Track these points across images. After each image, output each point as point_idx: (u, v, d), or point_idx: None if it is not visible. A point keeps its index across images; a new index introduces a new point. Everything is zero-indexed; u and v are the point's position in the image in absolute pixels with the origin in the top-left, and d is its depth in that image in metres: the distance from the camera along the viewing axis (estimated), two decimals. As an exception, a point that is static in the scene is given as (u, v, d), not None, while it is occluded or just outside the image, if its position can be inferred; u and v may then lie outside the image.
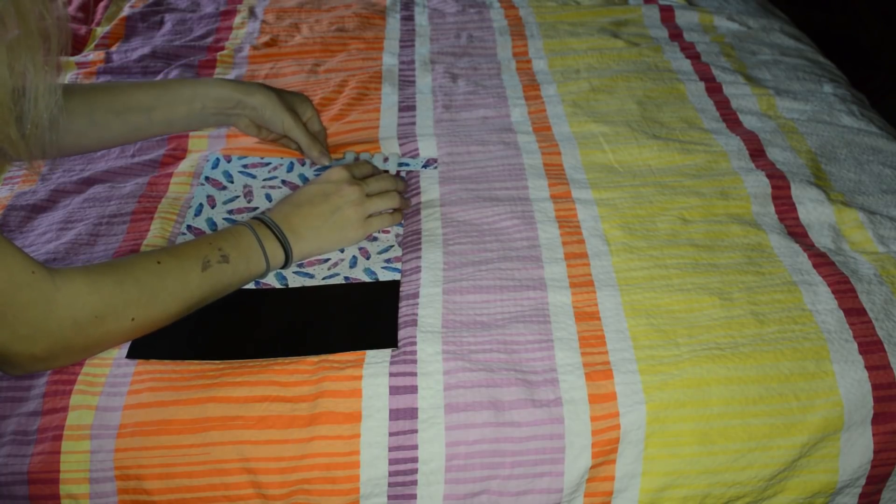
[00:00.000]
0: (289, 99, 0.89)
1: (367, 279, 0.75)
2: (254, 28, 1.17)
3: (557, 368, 0.66)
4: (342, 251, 0.78)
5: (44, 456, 0.63)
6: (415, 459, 0.64)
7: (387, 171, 0.86)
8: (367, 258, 0.77)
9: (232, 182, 0.86)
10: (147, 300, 0.65)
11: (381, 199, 0.79)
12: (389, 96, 1.01)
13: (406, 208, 0.83)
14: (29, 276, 0.58)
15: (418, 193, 0.85)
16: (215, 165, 0.88)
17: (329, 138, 0.94)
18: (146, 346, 0.68)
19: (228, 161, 0.89)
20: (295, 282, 0.75)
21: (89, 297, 0.61)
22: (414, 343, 0.68)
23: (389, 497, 0.64)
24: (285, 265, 0.75)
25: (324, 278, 0.75)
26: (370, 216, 0.79)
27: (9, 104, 0.55)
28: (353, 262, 0.77)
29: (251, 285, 0.74)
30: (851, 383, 0.66)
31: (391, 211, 0.81)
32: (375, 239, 0.80)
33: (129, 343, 0.68)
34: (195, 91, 0.86)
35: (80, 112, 0.81)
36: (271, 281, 0.75)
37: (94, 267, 0.64)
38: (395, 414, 0.64)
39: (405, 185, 0.85)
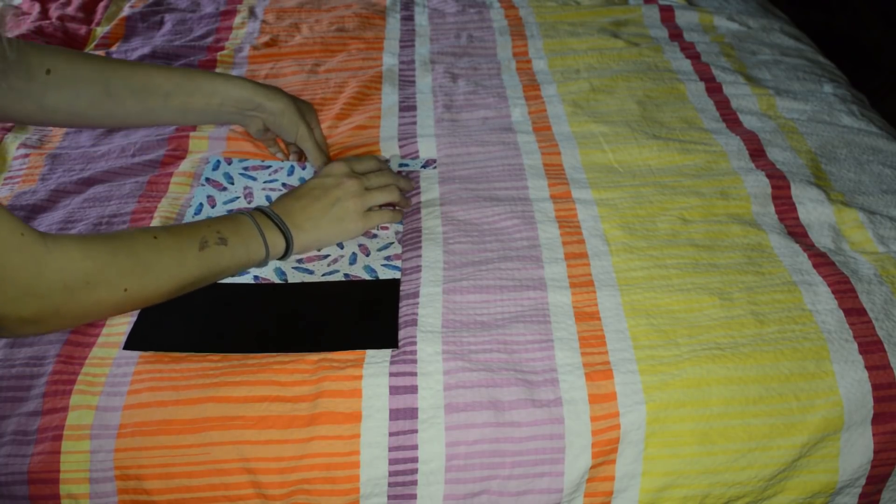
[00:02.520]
0: (300, 107, 0.89)
1: (366, 276, 0.75)
2: (254, 28, 1.17)
3: (557, 368, 0.66)
4: (342, 247, 0.78)
5: (44, 456, 0.63)
6: (415, 459, 0.64)
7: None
8: (367, 255, 0.77)
9: (232, 184, 0.86)
10: (141, 272, 0.64)
11: (380, 192, 0.79)
12: (390, 96, 1.01)
13: (407, 207, 0.83)
14: (18, 239, 0.58)
15: (418, 193, 0.85)
16: (216, 167, 0.88)
17: (329, 138, 0.94)
18: (144, 338, 0.68)
19: (229, 163, 0.89)
20: (294, 277, 0.75)
21: (82, 263, 0.61)
22: (414, 343, 0.68)
23: (389, 497, 0.64)
24: (285, 255, 0.75)
25: (323, 275, 0.75)
26: (370, 210, 0.79)
27: None
28: (353, 259, 0.77)
29: (250, 280, 0.74)
30: (851, 383, 0.66)
31: (392, 208, 0.81)
32: (375, 236, 0.80)
33: (128, 334, 0.68)
34: (216, 87, 0.85)
35: (95, 80, 0.79)
36: (270, 276, 0.75)
37: (89, 235, 0.63)
38: (395, 414, 0.64)
39: (410, 185, 0.85)
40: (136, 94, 0.81)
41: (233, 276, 0.73)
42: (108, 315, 0.66)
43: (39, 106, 0.76)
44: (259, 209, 0.74)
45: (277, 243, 0.73)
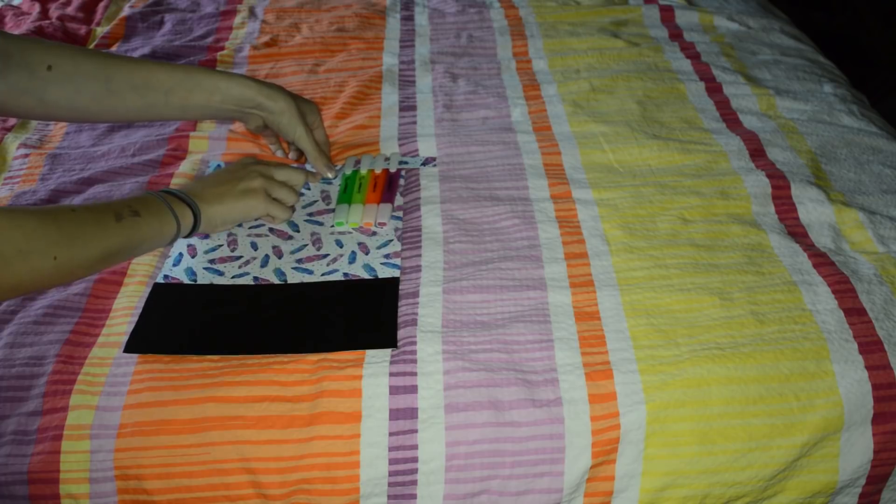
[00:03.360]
0: (302, 106, 0.89)
1: (366, 275, 0.75)
2: (254, 28, 1.17)
3: (557, 368, 0.66)
4: (341, 245, 0.78)
5: (44, 456, 0.63)
6: (415, 459, 0.64)
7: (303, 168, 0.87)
8: (367, 253, 0.78)
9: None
10: (67, 242, 0.65)
11: (282, 189, 0.83)
12: (390, 96, 1.01)
13: (315, 181, 0.87)
14: None
15: (418, 190, 0.85)
16: (215, 170, 0.88)
17: (329, 138, 0.94)
18: (144, 340, 0.68)
19: None
20: (294, 277, 0.75)
21: (13, 232, 0.61)
22: (414, 343, 0.68)
23: (389, 497, 0.64)
24: (194, 229, 0.76)
25: (323, 274, 0.75)
26: (274, 199, 0.82)
27: None
28: (353, 258, 0.77)
29: (250, 280, 0.74)
30: (851, 383, 0.66)
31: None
32: (374, 234, 0.80)
33: (128, 337, 0.68)
34: (217, 85, 0.85)
35: (96, 76, 0.79)
36: (270, 276, 0.75)
37: (13, 207, 0.64)
38: (394, 414, 0.64)
39: (313, 179, 0.88)
40: (137, 90, 0.82)
41: (151, 250, 0.74)
42: (41, 287, 0.66)
43: (40, 101, 0.77)
44: (164, 190, 0.76)
45: (186, 215, 0.75)
